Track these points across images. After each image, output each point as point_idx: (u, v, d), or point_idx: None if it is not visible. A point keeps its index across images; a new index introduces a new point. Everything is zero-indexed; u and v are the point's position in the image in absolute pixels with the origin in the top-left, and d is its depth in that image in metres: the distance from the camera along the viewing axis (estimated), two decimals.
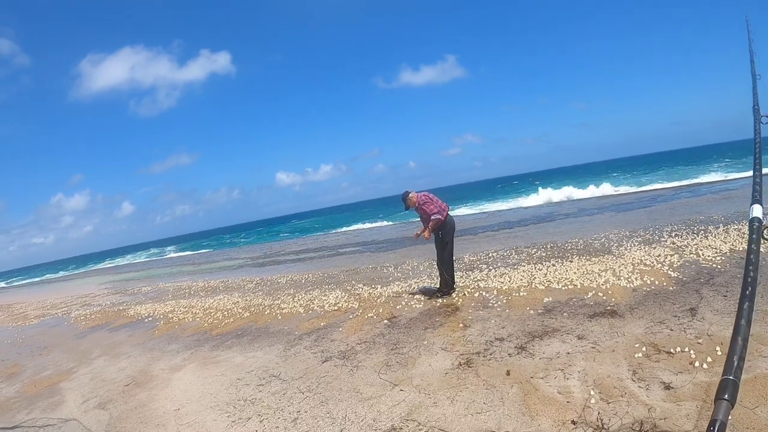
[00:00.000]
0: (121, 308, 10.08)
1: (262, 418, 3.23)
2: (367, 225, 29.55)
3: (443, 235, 5.63)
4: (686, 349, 3.10)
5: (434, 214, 5.48)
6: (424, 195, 5.66)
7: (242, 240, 41.02)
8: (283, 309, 6.69)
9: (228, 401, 3.65)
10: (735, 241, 5.99)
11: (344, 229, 31.64)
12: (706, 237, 6.54)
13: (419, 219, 5.87)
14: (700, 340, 3.23)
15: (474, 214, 23.27)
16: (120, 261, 46.49)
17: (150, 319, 8.03)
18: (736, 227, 6.90)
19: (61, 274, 43.69)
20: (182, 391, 4.09)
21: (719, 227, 7.13)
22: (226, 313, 7.23)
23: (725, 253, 5.49)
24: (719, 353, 2.98)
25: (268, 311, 6.76)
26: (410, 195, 5.69)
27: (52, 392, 4.85)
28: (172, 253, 42.27)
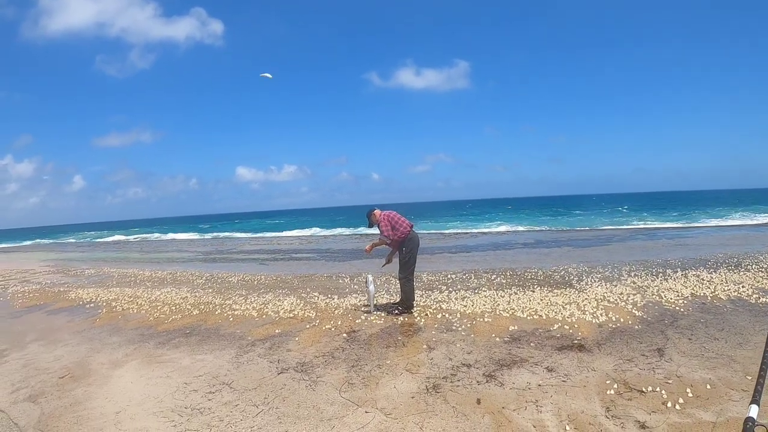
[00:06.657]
0: (61, 290, 9.34)
1: (212, 431, 2.93)
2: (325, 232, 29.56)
3: (406, 251, 5.53)
4: (657, 389, 3.10)
5: (381, 235, 5.59)
6: (385, 214, 5.62)
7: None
8: (235, 310, 6.33)
9: (173, 408, 3.31)
10: (695, 286, 6.19)
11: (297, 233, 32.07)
12: (666, 280, 6.74)
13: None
14: (669, 381, 3.23)
15: (430, 233, 23.27)
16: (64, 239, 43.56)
17: (92, 305, 7.43)
18: (694, 273, 7.17)
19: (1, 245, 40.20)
20: (123, 391, 3.70)
21: (677, 272, 7.39)
22: (173, 308, 6.78)
23: (687, 297, 5.65)
24: (690, 395, 2.98)
25: (218, 311, 6.38)
26: (374, 212, 5.69)
27: None
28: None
